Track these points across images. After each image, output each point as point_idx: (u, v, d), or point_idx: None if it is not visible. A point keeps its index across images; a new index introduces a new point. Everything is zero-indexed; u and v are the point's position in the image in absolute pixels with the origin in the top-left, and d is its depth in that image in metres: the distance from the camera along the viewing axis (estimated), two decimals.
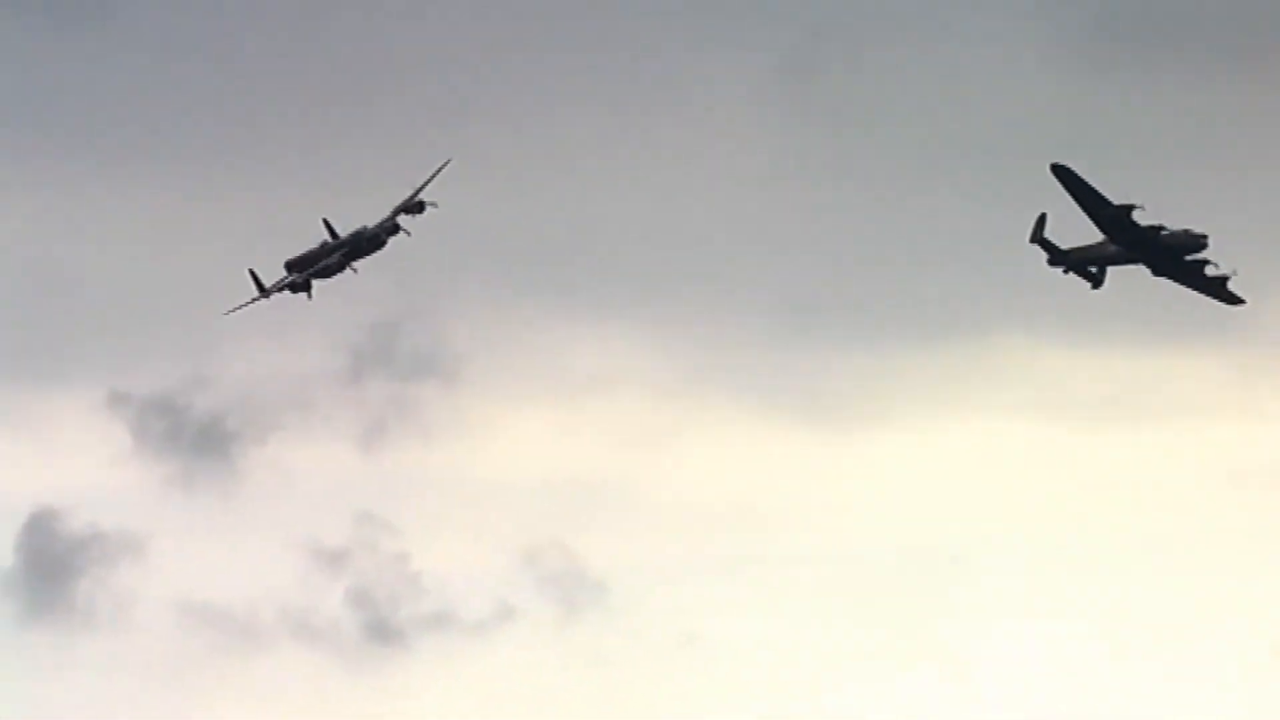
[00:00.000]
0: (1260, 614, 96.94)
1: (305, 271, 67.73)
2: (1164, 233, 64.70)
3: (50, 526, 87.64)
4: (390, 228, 67.38)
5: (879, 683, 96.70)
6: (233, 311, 68.96)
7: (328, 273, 67.92)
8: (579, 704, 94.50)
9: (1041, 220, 66.55)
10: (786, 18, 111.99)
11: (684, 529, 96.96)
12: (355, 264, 67.31)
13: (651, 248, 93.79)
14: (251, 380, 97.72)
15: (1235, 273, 65.60)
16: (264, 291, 67.34)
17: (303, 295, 67.64)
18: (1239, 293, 66.14)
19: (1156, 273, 65.21)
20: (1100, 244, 66.17)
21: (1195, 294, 66.26)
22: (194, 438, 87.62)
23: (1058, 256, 66.77)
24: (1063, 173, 63.89)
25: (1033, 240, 66.99)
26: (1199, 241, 64.69)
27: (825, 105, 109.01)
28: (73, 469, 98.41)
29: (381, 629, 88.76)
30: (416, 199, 66.90)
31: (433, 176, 67.61)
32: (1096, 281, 66.56)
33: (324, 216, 68.02)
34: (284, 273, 67.73)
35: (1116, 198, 64.79)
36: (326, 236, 67.65)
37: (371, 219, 67.64)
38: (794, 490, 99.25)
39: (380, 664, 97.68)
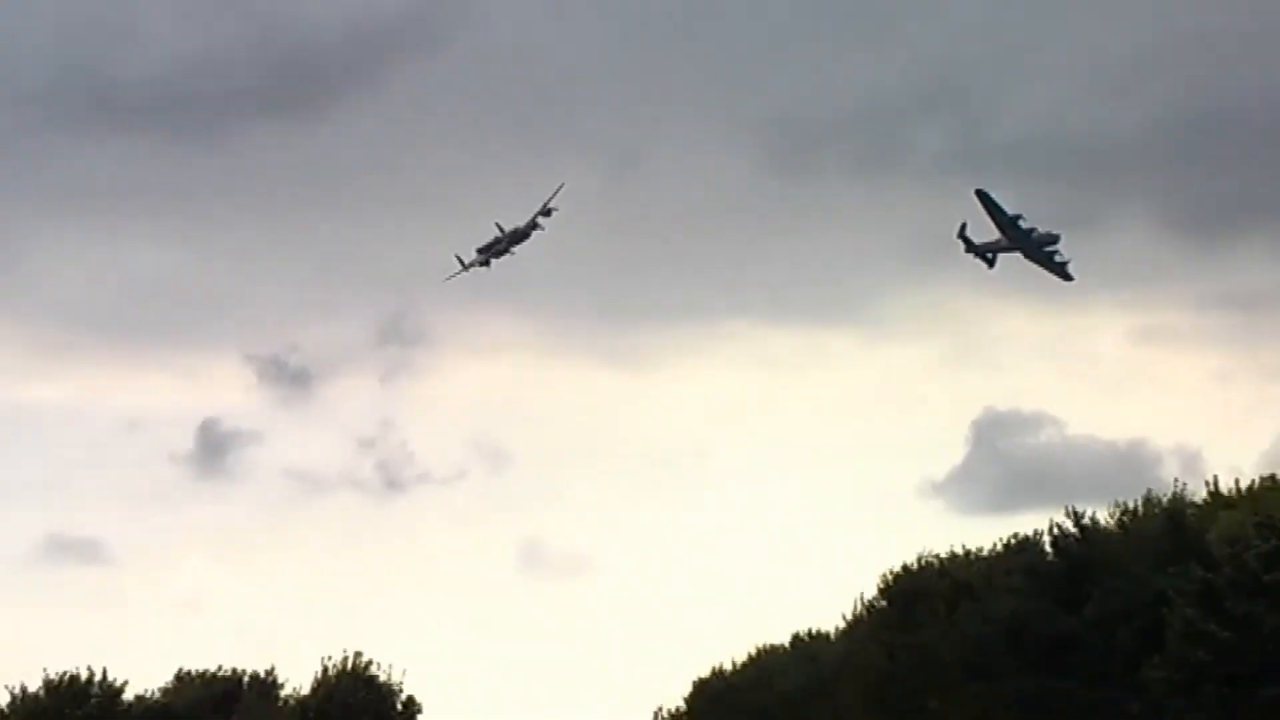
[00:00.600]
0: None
1: (487, 254, 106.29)
2: (1034, 233, 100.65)
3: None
4: (533, 224, 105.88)
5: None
6: (449, 279, 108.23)
7: (499, 254, 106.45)
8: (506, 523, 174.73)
9: (963, 226, 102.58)
10: None
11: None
12: (514, 249, 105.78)
13: None
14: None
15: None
16: (465, 266, 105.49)
17: (485, 269, 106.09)
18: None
19: (1026, 257, 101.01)
20: (996, 240, 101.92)
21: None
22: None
23: (971, 248, 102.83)
24: (982, 194, 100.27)
25: (958, 236, 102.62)
26: (1054, 238, 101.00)
27: None
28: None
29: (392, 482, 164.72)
30: (546, 208, 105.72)
31: (555, 194, 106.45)
32: (991, 264, 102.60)
33: (496, 220, 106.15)
34: (474, 255, 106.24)
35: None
36: (498, 232, 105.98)
37: (521, 220, 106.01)
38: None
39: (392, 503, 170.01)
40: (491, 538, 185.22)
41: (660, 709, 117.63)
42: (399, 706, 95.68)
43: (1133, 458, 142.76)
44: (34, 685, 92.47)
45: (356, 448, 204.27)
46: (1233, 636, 64.49)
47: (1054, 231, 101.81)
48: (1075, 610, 75.09)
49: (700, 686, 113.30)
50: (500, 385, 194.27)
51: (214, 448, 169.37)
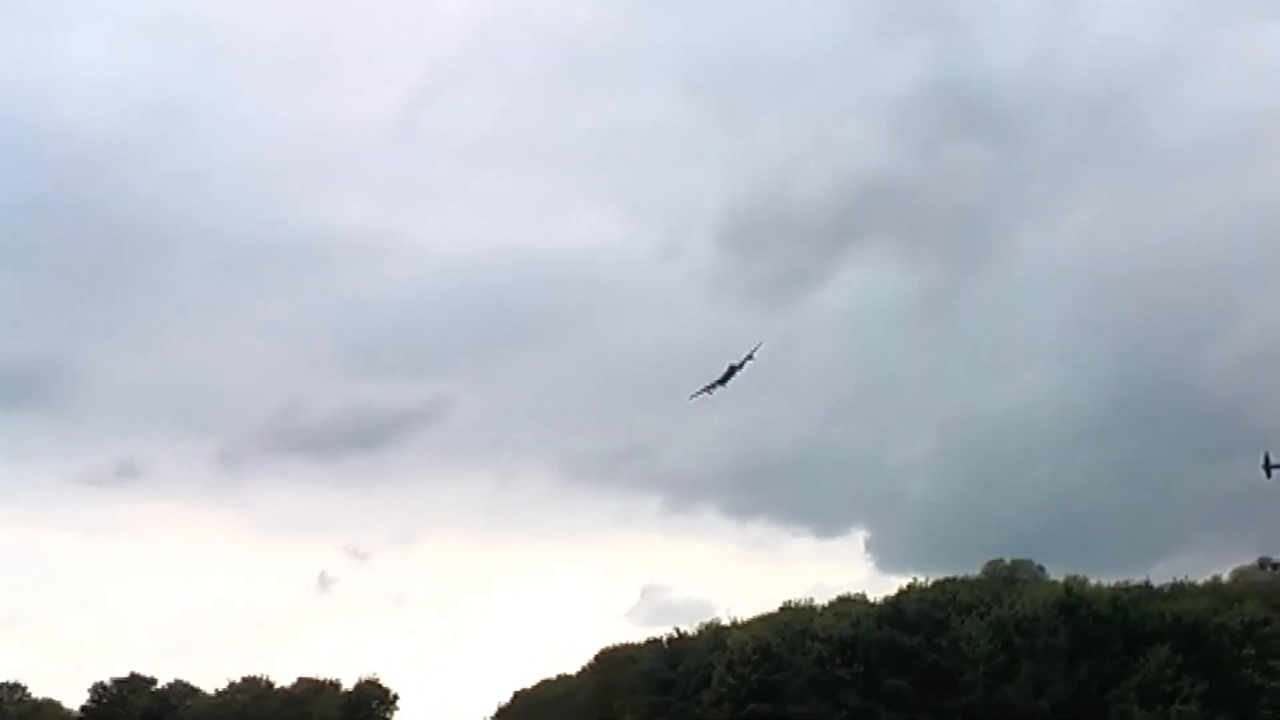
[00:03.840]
0: None
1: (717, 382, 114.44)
2: None
3: None
4: (743, 363, 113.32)
5: None
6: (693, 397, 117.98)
7: (725, 382, 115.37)
8: None
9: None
10: None
11: None
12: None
13: None
14: None
15: None
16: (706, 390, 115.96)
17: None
18: None
19: None
20: None
21: None
22: None
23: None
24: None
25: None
26: None
27: None
28: None
29: None
30: (750, 354, 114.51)
31: (756, 348, 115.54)
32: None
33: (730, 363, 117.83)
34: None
35: None
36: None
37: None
38: None
39: None
40: None
41: None
42: None
43: None
44: None
45: None
46: None
47: None
48: None
49: None
50: None
51: None
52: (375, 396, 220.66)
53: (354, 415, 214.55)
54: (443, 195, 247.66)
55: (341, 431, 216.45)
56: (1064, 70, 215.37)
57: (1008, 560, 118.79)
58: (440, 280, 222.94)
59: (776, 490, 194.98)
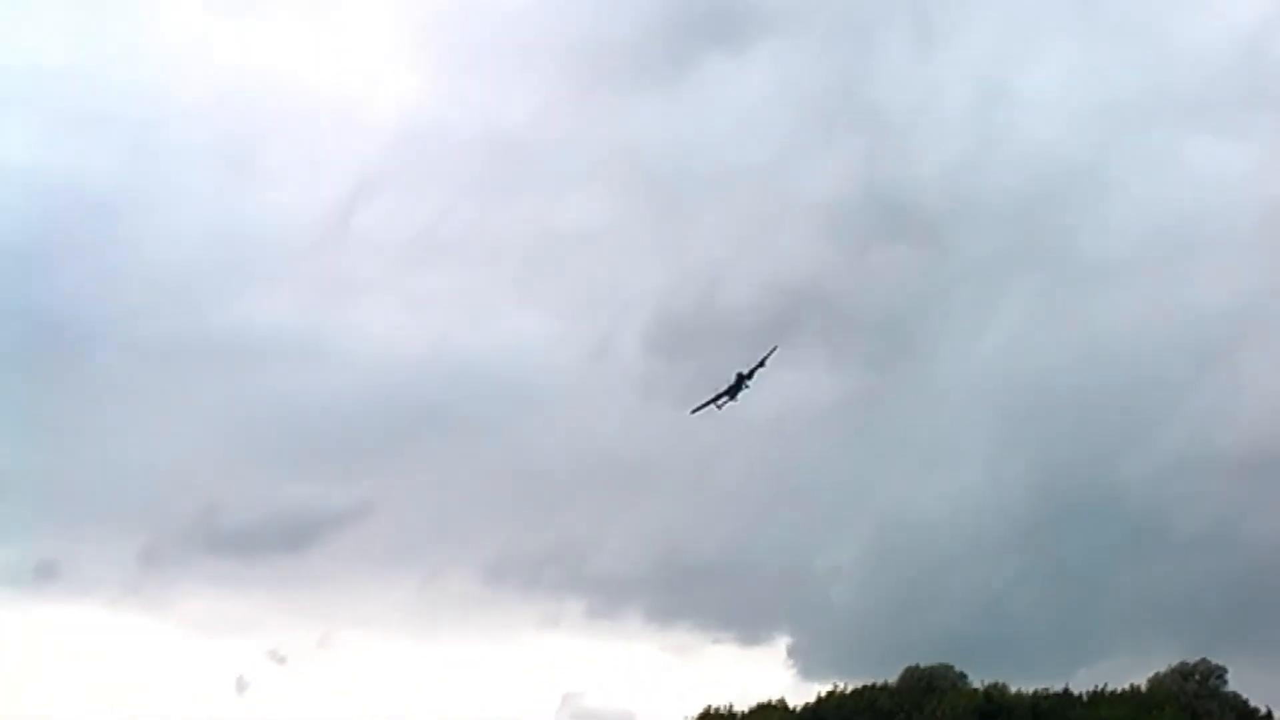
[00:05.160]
0: None
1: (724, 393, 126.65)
2: None
3: None
4: (753, 372, 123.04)
5: None
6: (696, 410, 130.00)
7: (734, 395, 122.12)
8: None
9: None
10: None
11: None
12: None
13: None
14: None
15: None
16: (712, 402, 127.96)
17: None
18: None
19: None
20: None
21: None
22: None
23: None
24: None
25: None
26: None
27: None
28: None
29: None
30: (763, 361, 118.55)
31: (769, 354, 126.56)
32: None
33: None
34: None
35: None
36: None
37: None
38: None
39: None
40: None
41: None
42: None
43: None
44: None
45: None
46: None
47: None
48: None
49: None
50: None
51: None
52: (300, 497, 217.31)
53: (278, 516, 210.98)
54: (372, 295, 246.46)
55: (265, 532, 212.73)
56: (992, 178, 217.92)
57: (924, 666, 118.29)
58: (368, 380, 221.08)
59: (701, 594, 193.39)
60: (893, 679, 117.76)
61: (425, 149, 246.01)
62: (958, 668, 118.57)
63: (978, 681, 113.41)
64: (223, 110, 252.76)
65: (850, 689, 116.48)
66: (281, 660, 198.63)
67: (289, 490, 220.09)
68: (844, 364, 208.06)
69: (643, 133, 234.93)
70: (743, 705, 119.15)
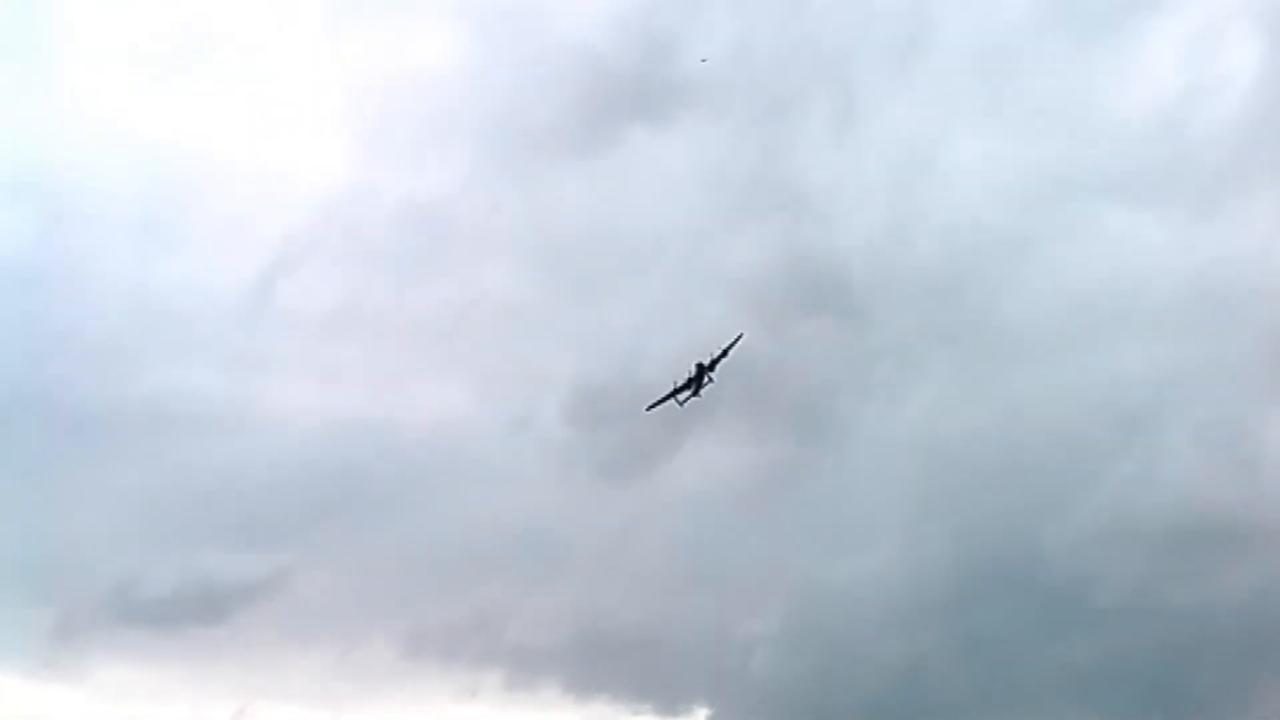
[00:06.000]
0: None
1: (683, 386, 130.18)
2: None
3: None
4: (714, 363, 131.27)
5: None
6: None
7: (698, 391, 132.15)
8: None
9: None
10: None
11: None
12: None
13: None
14: None
15: None
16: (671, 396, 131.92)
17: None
18: None
19: None
20: None
21: None
22: None
23: None
24: None
25: None
26: None
27: None
28: None
29: None
30: (726, 350, 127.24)
31: (734, 343, 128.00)
32: None
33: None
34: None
35: None
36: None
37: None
38: None
39: None
40: None
41: None
42: None
43: None
44: None
45: None
46: None
47: None
48: None
49: None
50: None
51: None
52: (217, 568, 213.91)
53: (195, 587, 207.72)
54: (290, 366, 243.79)
55: (182, 603, 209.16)
56: (913, 251, 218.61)
57: None
58: (285, 451, 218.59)
59: (619, 667, 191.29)
60: None
61: (346, 221, 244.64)
62: None
63: None
64: (143, 181, 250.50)
65: None
66: None
67: (206, 561, 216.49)
68: (764, 436, 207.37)
69: (564, 205, 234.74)
70: None
